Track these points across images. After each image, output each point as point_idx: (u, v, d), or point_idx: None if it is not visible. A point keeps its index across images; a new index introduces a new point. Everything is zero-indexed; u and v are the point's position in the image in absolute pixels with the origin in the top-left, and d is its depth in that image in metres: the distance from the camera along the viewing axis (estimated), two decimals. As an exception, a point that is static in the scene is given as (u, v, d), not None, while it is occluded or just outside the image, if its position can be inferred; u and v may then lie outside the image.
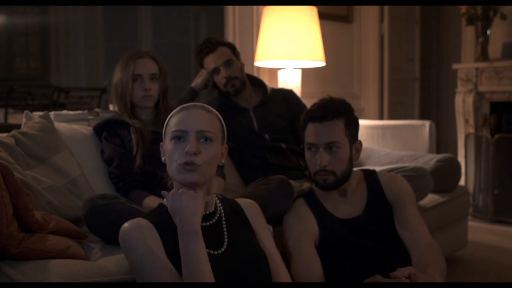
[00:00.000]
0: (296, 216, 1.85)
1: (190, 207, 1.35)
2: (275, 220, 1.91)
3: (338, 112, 1.79)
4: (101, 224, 1.77)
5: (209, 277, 1.31)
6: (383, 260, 1.75)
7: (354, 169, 1.92)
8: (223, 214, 1.51)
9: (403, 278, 1.46)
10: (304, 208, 1.86)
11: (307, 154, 1.83)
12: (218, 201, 1.53)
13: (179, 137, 1.42)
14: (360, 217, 1.83)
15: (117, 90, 2.20)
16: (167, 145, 1.45)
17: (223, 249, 1.43)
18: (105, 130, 2.21)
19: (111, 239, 1.75)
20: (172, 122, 1.46)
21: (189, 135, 1.41)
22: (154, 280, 1.33)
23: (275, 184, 1.95)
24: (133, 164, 2.11)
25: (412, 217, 1.81)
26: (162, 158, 1.48)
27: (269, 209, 1.85)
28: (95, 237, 1.83)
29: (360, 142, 1.86)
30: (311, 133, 1.80)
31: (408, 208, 1.83)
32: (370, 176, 1.90)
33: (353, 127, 1.83)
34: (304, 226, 1.82)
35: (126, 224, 1.39)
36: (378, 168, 2.45)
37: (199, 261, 1.31)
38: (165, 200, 1.50)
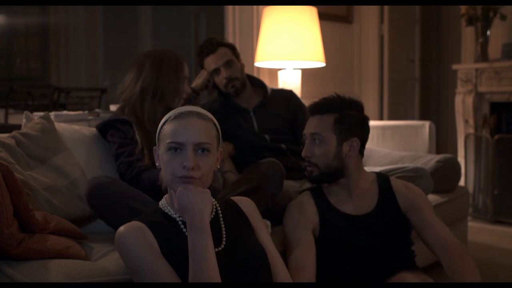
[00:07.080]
0: (297, 204, 1.89)
1: (199, 204, 1.35)
2: (275, 213, 1.93)
3: (329, 108, 1.86)
4: (102, 204, 1.78)
5: (216, 274, 1.31)
6: (384, 259, 1.76)
7: (367, 169, 1.94)
8: (220, 212, 1.51)
9: None
10: (308, 199, 1.89)
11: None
12: (214, 200, 1.52)
13: (176, 148, 1.39)
14: (367, 216, 1.83)
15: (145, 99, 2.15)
16: (162, 155, 1.42)
17: (222, 247, 1.43)
18: (109, 129, 2.19)
19: (110, 222, 1.78)
20: (167, 130, 1.42)
21: (186, 147, 1.38)
22: (153, 281, 1.33)
23: (266, 166, 1.99)
24: (142, 157, 2.06)
25: (432, 221, 1.80)
26: (156, 163, 1.47)
27: (264, 191, 1.89)
28: (95, 237, 1.83)
29: (356, 140, 1.85)
30: (306, 125, 1.91)
31: (426, 213, 1.82)
32: (383, 180, 1.91)
33: (347, 125, 1.84)
34: (303, 213, 1.84)
35: (121, 228, 1.38)
36: (378, 169, 2.46)
37: (208, 257, 1.31)
38: (162, 201, 1.49)
